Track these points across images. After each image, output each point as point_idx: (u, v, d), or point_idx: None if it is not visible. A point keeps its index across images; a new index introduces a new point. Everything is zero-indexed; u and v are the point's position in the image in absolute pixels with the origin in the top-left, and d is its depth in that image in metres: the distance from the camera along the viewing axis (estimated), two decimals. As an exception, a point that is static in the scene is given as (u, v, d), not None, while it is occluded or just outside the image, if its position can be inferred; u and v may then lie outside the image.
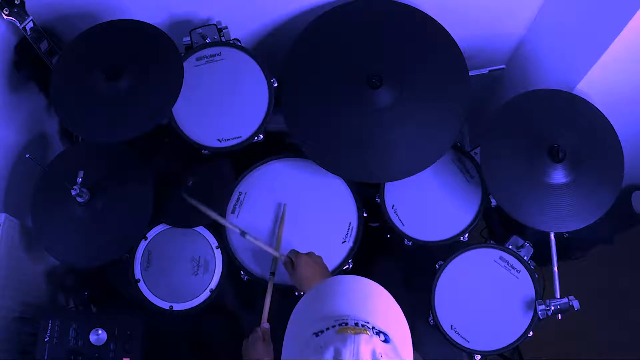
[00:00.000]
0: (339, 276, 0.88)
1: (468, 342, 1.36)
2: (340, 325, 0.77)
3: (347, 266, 1.41)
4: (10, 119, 1.47)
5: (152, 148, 1.50)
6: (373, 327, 0.77)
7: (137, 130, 1.26)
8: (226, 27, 1.48)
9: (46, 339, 1.31)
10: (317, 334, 0.77)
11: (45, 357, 1.30)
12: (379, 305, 0.84)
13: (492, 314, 1.37)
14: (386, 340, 0.77)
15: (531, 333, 1.35)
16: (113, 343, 1.33)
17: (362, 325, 0.76)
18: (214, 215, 1.32)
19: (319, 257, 1.31)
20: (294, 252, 1.30)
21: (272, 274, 1.37)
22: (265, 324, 1.30)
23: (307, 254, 1.30)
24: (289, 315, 0.86)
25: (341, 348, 0.73)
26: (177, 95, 1.28)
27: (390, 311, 0.84)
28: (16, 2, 1.33)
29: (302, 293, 1.26)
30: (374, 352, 0.74)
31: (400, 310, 0.85)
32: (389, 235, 1.52)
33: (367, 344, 0.74)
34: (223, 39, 1.46)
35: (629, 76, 1.36)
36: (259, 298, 1.34)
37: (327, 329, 0.77)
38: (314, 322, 0.79)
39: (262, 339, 1.25)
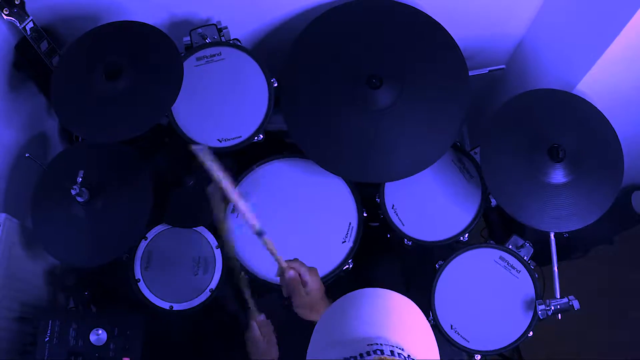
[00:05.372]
0: (366, 289, 0.78)
1: (468, 342, 1.36)
2: (375, 352, 0.68)
3: (347, 266, 1.41)
4: (10, 119, 1.47)
5: (152, 148, 1.50)
6: (408, 356, 0.69)
7: (137, 130, 1.26)
8: (226, 27, 1.48)
9: (46, 339, 1.31)
10: None
11: (45, 357, 1.30)
12: (413, 327, 0.76)
13: (492, 314, 1.37)
14: None
15: (531, 333, 1.35)
16: (113, 343, 1.33)
17: (398, 354, 0.69)
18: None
19: None
20: (300, 264, 1.12)
21: (242, 270, 1.21)
22: (260, 317, 1.16)
23: (313, 270, 1.13)
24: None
25: None
26: (176, 95, 1.28)
27: (425, 334, 0.76)
28: (16, 2, 1.33)
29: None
30: None
31: (431, 329, 0.77)
32: (389, 235, 1.52)
33: None
34: (223, 39, 1.46)
35: (629, 76, 1.36)
36: (258, 298, 1.33)
37: (361, 355, 0.69)
38: (343, 345, 0.71)
39: (261, 337, 1.14)
